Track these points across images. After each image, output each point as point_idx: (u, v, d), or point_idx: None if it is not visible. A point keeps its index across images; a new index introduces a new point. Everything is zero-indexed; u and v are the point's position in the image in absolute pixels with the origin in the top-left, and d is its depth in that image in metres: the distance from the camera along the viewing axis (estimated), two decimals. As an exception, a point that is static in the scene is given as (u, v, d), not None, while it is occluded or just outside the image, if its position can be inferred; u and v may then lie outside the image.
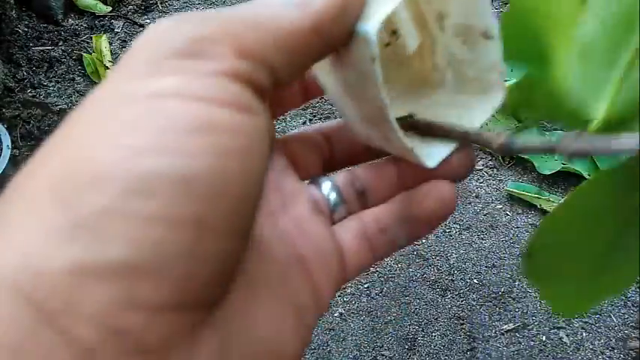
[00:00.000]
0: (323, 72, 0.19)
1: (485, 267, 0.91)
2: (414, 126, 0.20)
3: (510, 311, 0.90)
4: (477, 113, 0.19)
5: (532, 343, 0.89)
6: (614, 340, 0.90)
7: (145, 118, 0.13)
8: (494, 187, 0.93)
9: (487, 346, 0.87)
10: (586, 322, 0.91)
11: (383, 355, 0.86)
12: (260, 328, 0.15)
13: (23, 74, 1.09)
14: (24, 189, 0.13)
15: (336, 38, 0.16)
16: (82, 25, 1.20)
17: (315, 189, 0.20)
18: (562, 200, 0.18)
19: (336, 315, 0.88)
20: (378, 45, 0.16)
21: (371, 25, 0.16)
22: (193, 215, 0.12)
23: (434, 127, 0.19)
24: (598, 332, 0.91)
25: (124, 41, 1.20)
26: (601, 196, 0.17)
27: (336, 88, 0.19)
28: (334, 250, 0.19)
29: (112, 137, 0.13)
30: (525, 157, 0.92)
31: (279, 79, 0.15)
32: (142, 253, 0.12)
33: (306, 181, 0.21)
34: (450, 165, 0.19)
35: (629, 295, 0.91)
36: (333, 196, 0.20)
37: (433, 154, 0.19)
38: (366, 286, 0.91)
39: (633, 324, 0.91)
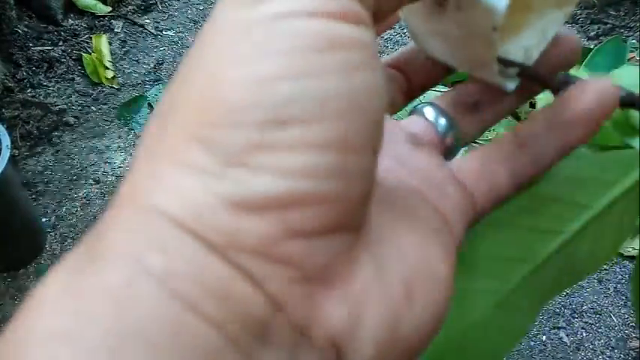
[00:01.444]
0: (416, 18, 0.18)
1: (486, 267, 0.91)
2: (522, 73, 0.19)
3: (511, 311, 0.90)
4: (549, 20, 0.19)
5: (532, 343, 0.88)
6: (614, 340, 0.90)
7: (271, 41, 0.13)
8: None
9: (487, 346, 0.87)
10: (586, 322, 0.91)
11: (383, 355, 0.86)
12: (407, 254, 0.15)
13: (23, 74, 1.09)
14: (162, 133, 0.13)
15: None
16: (81, 25, 1.20)
17: (418, 119, 0.19)
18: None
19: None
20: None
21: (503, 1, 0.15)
22: (336, 136, 0.12)
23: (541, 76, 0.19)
24: (598, 332, 0.91)
25: (124, 41, 1.19)
26: None
27: (430, 36, 0.19)
28: (447, 179, 0.18)
29: (243, 66, 0.12)
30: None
31: (379, 5, 0.14)
32: (291, 182, 0.12)
33: (404, 117, 0.20)
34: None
35: (630, 295, 0.91)
36: (442, 121, 0.19)
37: (513, 79, 0.19)
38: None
39: (633, 324, 0.91)
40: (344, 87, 0.13)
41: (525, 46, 0.19)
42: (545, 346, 0.88)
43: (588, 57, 1.04)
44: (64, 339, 0.11)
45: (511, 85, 0.19)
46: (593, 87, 0.17)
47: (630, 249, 0.83)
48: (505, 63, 0.18)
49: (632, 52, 1.05)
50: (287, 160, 0.12)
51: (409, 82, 0.21)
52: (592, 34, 1.15)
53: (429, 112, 0.19)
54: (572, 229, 0.19)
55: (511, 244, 0.20)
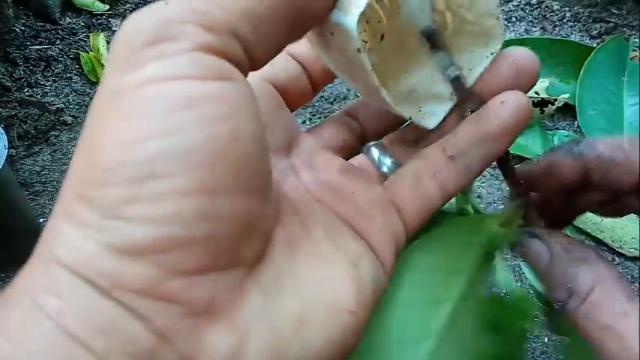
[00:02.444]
0: (320, 50, 0.19)
1: (487, 268, 0.91)
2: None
3: (511, 313, 0.90)
4: (475, 57, 0.20)
5: (534, 344, 0.88)
6: (616, 342, 0.90)
7: (136, 108, 0.14)
8: (497, 187, 0.93)
9: (488, 348, 0.86)
10: (588, 324, 0.91)
11: (383, 357, 0.85)
12: (304, 287, 0.16)
13: (20, 73, 1.08)
14: (62, 193, 0.15)
15: (304, 6, 0.16)
16: (79, 24, 1.19)
17: (365, 158, 0.22)
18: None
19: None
20: (361, 34, 0.16)
21: (350, 18, 0.16)
22: (198, 184, 0.14)
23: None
24: (600, 334, 0.90)
25: (122, 40, 1.19)
26: None
27: (332, 66, 0.19)
28: (376, 201, 0.19)
29: (114, 130, 0.14)
30: (528, 157, 0.92)
31: (253, 51, 0.15)
32: (161, 228, 0.13)
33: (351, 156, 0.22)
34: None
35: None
36: (386, 159, 0.21)
37: (432, 116, 0.20)
38: (365, 287, 0.90)
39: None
40: (203, 140, 0.14)
41: (407, 81, 0.19)
42: (547, 347, 0.88)
43: (591, 55, 1.03)
44: None
45: (431, 122, 0.20)
46: (508, 99, 0.18)
47: (633, 249, 0.82)
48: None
49: (634, 50, 1.04)
50: (156, 209, 0.13)
51: (363, 128, 0.23)
52: (594, 32, 1.14)
53: (375, 151, 0.21)
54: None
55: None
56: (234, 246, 0.15)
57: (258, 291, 0.15)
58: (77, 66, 1.13)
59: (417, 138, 0.21)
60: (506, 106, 0.18)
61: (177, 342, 0.13)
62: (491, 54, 0.20)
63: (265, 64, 0.16)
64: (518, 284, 0.84)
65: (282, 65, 0.22)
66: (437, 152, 0.19)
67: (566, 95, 0.98)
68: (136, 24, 0.15)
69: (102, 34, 1.17)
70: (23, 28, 1.14)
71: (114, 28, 1.20)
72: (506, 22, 1.18)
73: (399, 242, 0.19)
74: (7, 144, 0.85)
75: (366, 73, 0.17)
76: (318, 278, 0.16)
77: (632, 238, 0.81)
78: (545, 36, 1.12)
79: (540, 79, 1.05)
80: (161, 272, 0.13)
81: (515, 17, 1.19)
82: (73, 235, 0.14)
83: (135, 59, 0.14)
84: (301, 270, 0.16)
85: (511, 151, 0.27)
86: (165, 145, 0.14)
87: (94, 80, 1.11)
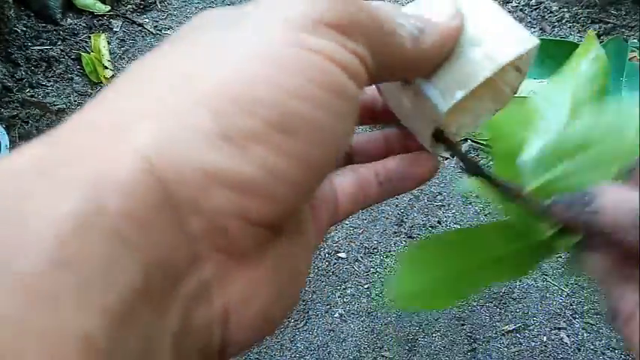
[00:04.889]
0: (389, 95, 0.23)
1: (486, 267, 0.91)
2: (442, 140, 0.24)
3: (511, 312, 0.90)
4: (483, 110, 0.24)
5: (533, 343, 0.88)
6: (614, 341, 0.90)
7: (300, 65, 0.15)
8: (495, 187, 0.93)
9: (488, 346, 0.86)
10: (587, 323, 0.91)
11: (383, 356, 0.86)
12: (293, 259, 0.18)
13: (22, 74, 1.09)
14: (173, 93, 0.15)
15: (420, 72, 0.20)
16: (80, 25, 1.20)
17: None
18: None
19: (336, 316, 0.88)
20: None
21: (445, 104, 0.20)
22: (316, 156, 0.15)
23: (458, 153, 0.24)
24: (599, 333, 0.90)
25: (123, 40, 1.19)
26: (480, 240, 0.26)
27: (393, 100, 0.23)
28: (333, 193, 0.22)
29: (270, 76, 0.15)
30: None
31: (371, 81, 0.18)
32: (268, 179, 0.15)
33: None
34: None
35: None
36: None
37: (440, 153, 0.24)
38: (366, 286, 0.90)
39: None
40: (333, 124, 0.16)
41: (460, 124, 0.24)
42: (545, 346, 0.88)
43: (589, 56, 1.03)
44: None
45: (442, 154, 0.24)
46: (427, 159, 0.24)
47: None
48: (439, 135, 0.23)
49: (632, 51, 1.04)
50: (272, 160, 0.15)
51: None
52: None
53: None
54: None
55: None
56: (289, 215, 0.16)
57: (273, 254, 0.17)
58: (78, 66, 1.13)
59: (352, 152, 0.25)
60: (425, 161, 0.23)
61: (204, 269, 0.15)
62: (496, 109, 0.24)
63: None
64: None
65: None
66: (370, 174, 0.23)
67: (565, 96, 0.99)
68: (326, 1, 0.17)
69: (103, 34, 1.17)
70: (24, 28, 1.14)
71: (115, 29, 1.21)
72: (505, 23, 1.19)
73: (331, 225, 0.22)
74: (8, 144, 0.85)
75: (427, 129, 0.22)
76: (294, 254, 0.19)
77: None
78: (544, 37, 1.13)
79: (539, 80, 1.05)
80: (233, 208, 0.15)
81: (514, 18, 1.19)
82: (180, 132, 0.14)
83: (313, 26, 0.16)
84: (288, 248, 0.19)
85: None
86: (310, 112, 0.15)
87: (95, 81, 1.11)
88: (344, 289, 0.90)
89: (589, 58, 0.26)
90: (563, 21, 1.17)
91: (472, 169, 0.23)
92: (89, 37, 1.17)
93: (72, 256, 0.12)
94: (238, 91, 0.15)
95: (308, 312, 0.88)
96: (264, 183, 0.15)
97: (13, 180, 0.13)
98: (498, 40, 0.21)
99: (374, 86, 0.24)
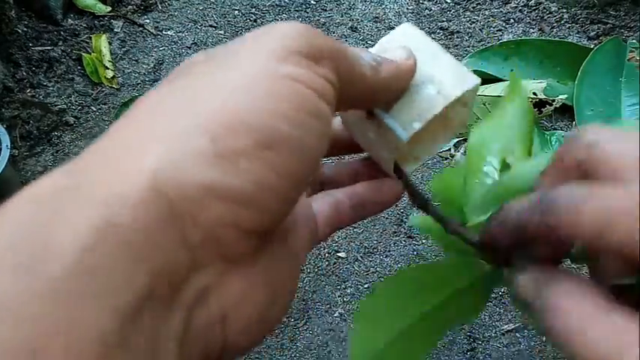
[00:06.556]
0: (352, 126, 0.26)
1: (486, 267, 0.91)
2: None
3: (511, 311, 0.90)
4: (440, 138, 0.28)
5: (532, 343, 0.89)
6: (614, 341, 0.90)
7: (280, 91, 0.17)
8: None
9: (487, 346, 0.87)
10: (586, 323, 0.91)
11: (383, 355, 0.86)
12: (282, 264, 0.20)
13: (22, 74, 1.09)
14: (169, 110, 0.17)
15: (379, 99, 0.23)
16: (81, 25, 1.20)
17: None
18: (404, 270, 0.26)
19: (335, 315, 0.88)
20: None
21: (406, 134, 0.23)
22: (297, 169, 0.17)
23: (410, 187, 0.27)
24: (598, 332, 0.91)
25: (124, 41, 1.19)
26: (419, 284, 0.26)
27: (357, 130, 0.26)
28: (312, 216, 0.24)
29: (255, 103, 0.17)
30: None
31: (338, 107, 0.21)
32: (256, 190, 0.16)
33: None
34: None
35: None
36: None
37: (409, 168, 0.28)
38: (365, 286, 0.91)
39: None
40: (313, 143, 0.18)
41: (420, 150, 0.27)
42: (545, 346, 0.88)
43: (588, 57, 1.04)
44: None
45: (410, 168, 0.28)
46: (393, 186, 0.26)
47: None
48: (395, 168, 0.26)
49: (631, 51, 1.05)
50: (261, 174, 0.17)
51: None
52: (592, 33, 1.15)
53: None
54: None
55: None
56: (277, 224, 0.18)
57: (263, 261, 0.19)
58: (79, 67, 1.14)
59: (323, 181, 0.27)
60: (393, 188, 0.26)
61: (203, 274, 0.17)
62: (453, 135, 0.28)
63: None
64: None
65: None
66: (344, 198, 0.26)
67: (564, 96, 0.99)
68: (296, 31, 0.19)
69: (104, 35, 1.18)
70: (25, 29, 1.14)
71: (116, 30, 1.21)
72: (504, 24, 1.19)
73: (313, 245, 0.24)
74: (9, 144, 0.85)
75: (389, 156, 0.25)
76: (287, 268, 0.21)
77: None
78: (543, 37, 1.13)
79: (538, 80, 1.06)
80: (228, 219, 0.16)
81: (514, 19, 1.20)
82: (176, 154, 0.16)
83: (289, 56, 0.18)
84: (275, 259, 0.21)
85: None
86: (295, 132, 0.17)
87: (96, 81, 1.12)
88: (344, 288, 0.90)
89: (514, 105, 0.28)
90: (562, 22, 1.17)
91: (419, 202, 0.26)
92: (90, 38, 1.17)
93: (93, 265, 0.14)
94: (230, 116, 0.17)
95: (308, 312, 0.88)
96: (253, 193, 0.16)
97: (40, 203, 0.15)
98: (448, 79, 0.24)
99: (341, 122, 0.27)
